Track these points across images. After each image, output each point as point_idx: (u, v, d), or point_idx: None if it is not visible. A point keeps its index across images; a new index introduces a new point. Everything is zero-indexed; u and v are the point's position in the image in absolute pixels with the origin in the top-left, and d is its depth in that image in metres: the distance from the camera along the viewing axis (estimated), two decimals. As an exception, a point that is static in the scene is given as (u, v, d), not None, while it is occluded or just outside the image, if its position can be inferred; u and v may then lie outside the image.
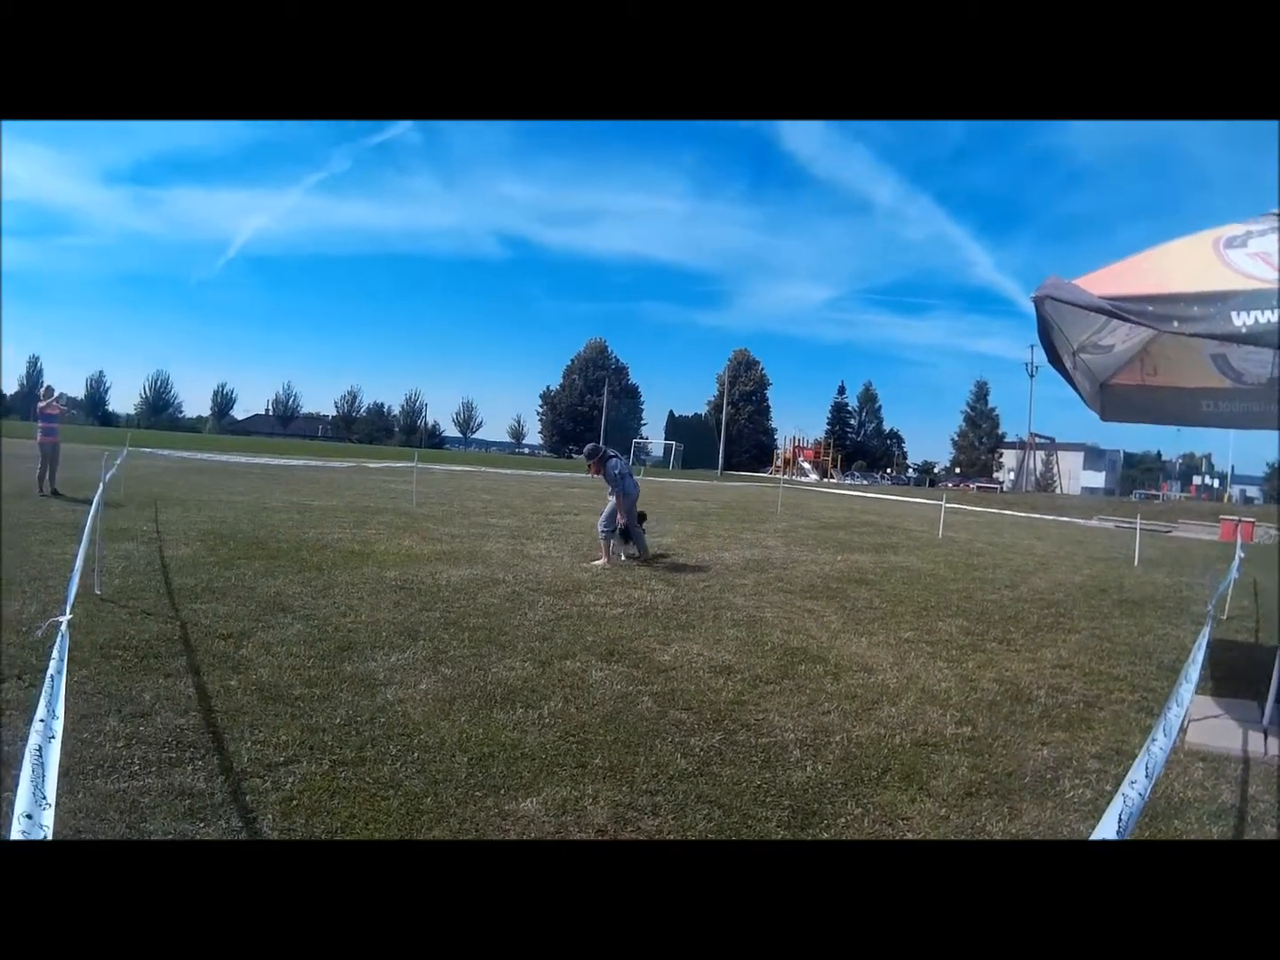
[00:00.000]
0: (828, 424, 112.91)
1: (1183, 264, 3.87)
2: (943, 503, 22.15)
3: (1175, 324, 3.53)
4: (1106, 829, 1.77)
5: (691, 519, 19.24)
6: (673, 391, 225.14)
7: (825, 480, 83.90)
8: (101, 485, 7.89)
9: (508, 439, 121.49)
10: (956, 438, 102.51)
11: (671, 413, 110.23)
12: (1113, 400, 6.83)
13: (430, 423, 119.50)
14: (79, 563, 4.67)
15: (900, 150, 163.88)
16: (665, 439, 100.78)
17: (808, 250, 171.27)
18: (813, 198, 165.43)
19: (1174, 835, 3.84)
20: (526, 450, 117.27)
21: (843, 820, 3.79)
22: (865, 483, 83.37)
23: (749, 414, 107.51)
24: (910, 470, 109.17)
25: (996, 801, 4.11)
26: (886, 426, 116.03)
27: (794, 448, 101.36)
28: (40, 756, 1.81)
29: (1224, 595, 9.68)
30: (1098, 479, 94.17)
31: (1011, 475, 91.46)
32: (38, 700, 2.20)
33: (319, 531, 12.11)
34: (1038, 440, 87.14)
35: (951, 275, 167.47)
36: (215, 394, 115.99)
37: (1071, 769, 4.64)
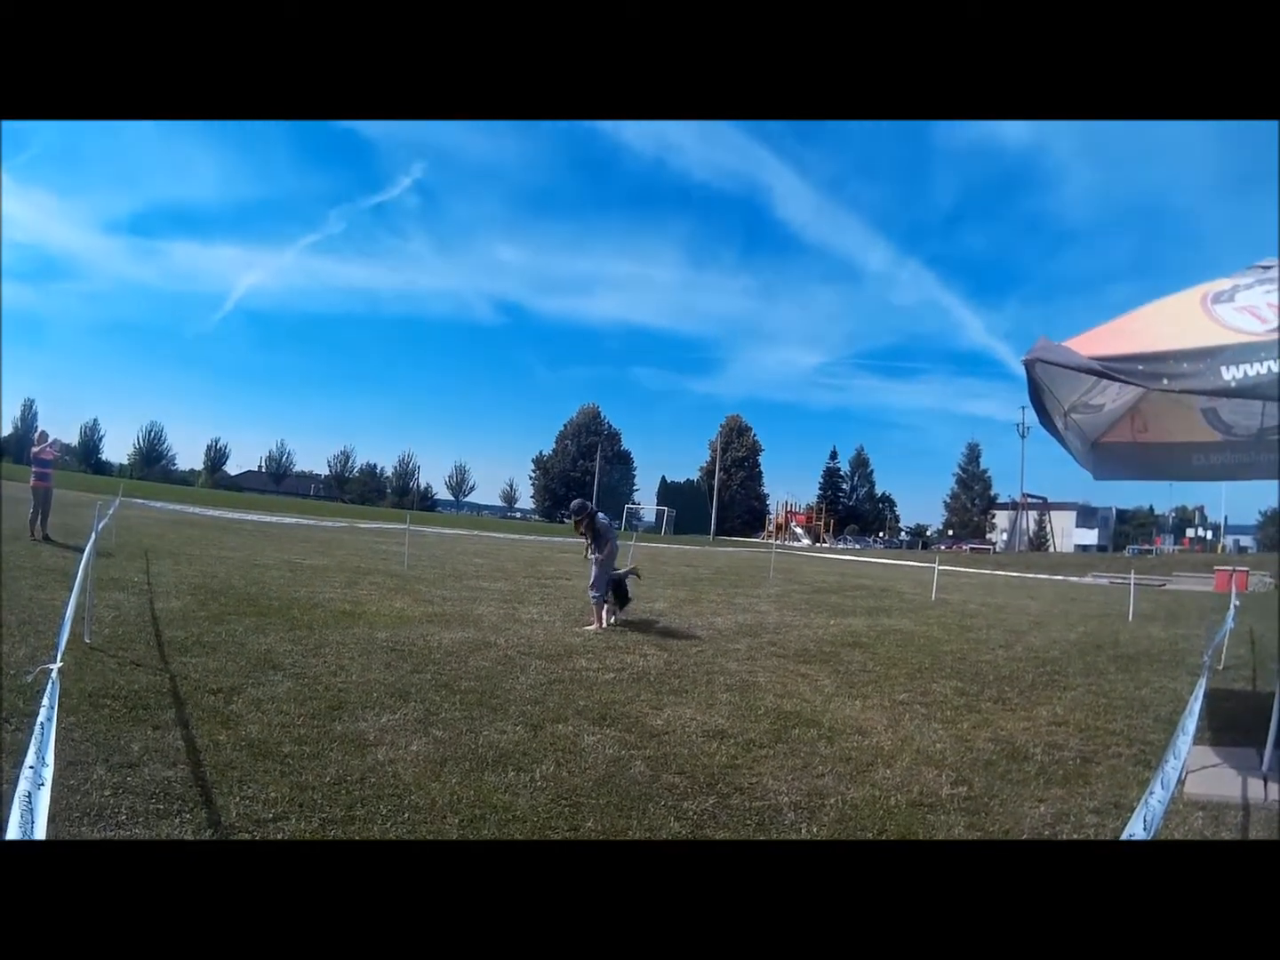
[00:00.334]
0: (820, 489, 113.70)
1: (1171, 321, 3.94)
2: (936, 565, 22.16)
3: (1165, 381, 3.58)
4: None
5: (684, 584, 19.15)
6: (665, 457, 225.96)
7: (818, 545, 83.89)
8: (94, 534, 7.86)
9: (500, 503, 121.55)
10: (949, 500, 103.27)
11: (664, 478, 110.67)
12: (1105, 458, 6.89)
13: (423, 485, 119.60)
14: (70, 610, 4.64)
15: (891, 216, 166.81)
16: (658, 505, 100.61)
17: (799, 316, 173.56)
18: (804, 264, 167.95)
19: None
20: (518, 515, 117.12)
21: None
22: (858, 546, 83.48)
23: (741, 480, 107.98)
24: (903, 533, 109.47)
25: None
26: (879, 490, 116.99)
27: (786, 513, 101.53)
28: (30, 802, 1.79)
29: (1220, 645, 9.69)
30: (1090, 536, 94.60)
31: (1004, 536, 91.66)
32: (25, 745, 2.17)
33: (310, 590, 12.03)
34: (1030, 500, 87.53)
35: (942, 339, 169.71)
36: (209, 448, 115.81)
37: (1069, 825, 4.60)
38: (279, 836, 3.72)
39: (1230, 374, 3.36)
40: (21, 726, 4.62)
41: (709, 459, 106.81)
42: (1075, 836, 4.40)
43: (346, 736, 5.25)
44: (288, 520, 29.95)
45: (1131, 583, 18.03)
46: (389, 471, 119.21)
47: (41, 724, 2.26)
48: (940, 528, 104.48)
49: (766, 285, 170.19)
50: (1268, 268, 4.26)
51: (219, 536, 21.32)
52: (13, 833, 1.68)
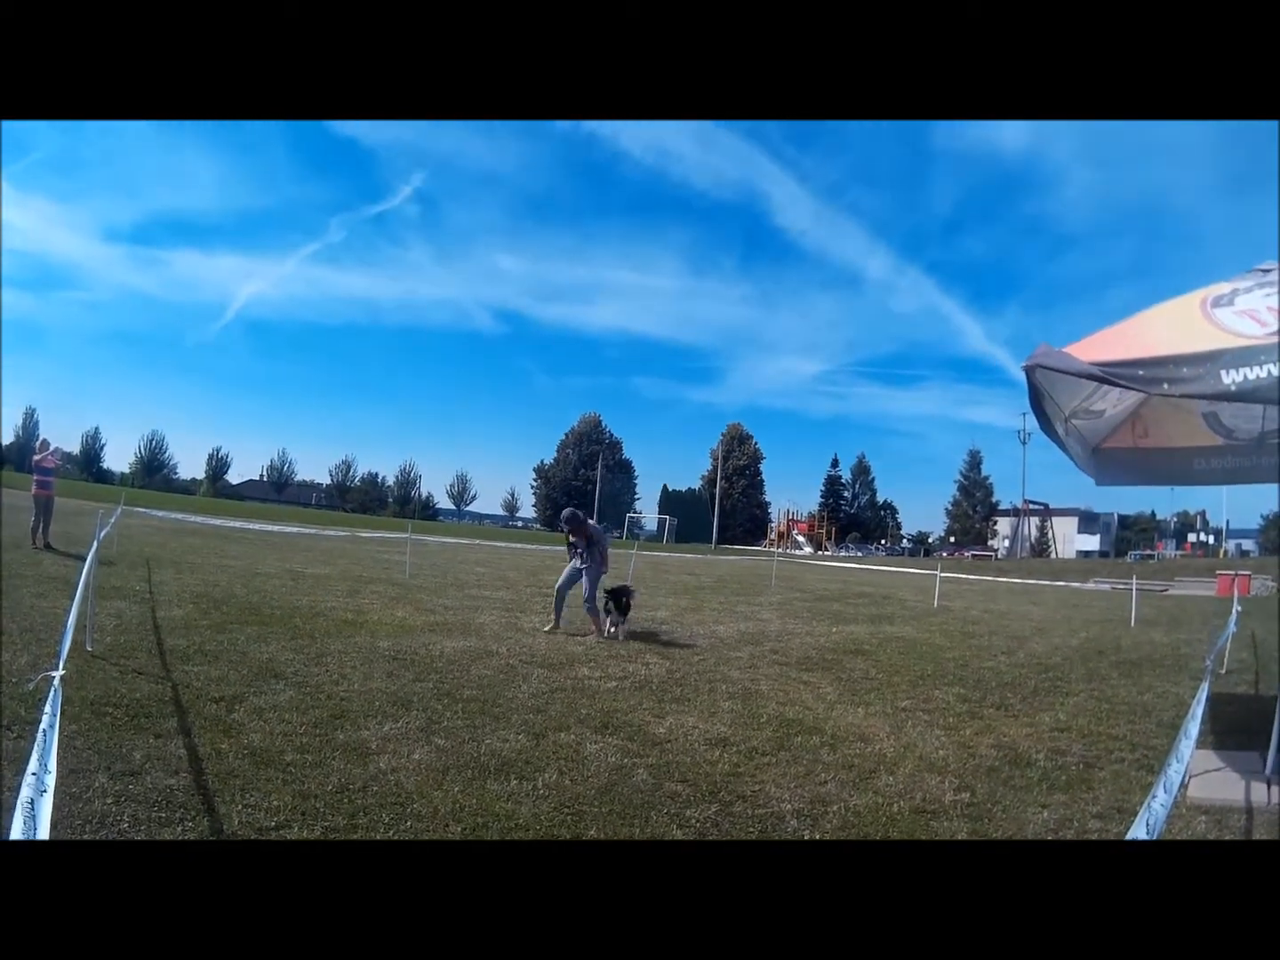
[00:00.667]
0: (821, 497, 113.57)
1: (1171, 326, 3.95)
2: (938, 572, 22.17)
3: (1165, 386, 3.58)
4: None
5: (686, 593, 19.13)
6: (666, 466, 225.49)
7: (820, 553, 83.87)
8: (96, 542, 7.87)
9: (501, 512, 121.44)
10: (951, 507, 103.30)
11: (665, 487, 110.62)
12: (1106, 464, 6.90)
13: (424, 494, 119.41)
14: (72, 618, 4.65)
15: (890, 223, 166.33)
16: (659, 513, 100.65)
17: (799, 324, 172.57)
18: (803, 272, 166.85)
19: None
20: (520, 523, 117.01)
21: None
22: (860, 554, 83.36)
23: (743, 488, 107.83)
24: (905, 541, 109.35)
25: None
26: (880, 498, 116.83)
27: (788, 521, 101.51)
28: (32, 809, 1.80)
29: (1222, 649, 9.67)
30: (1092, 542, 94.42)
31: (1006, 542, 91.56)
32: (27, 752, 2.17)
33: (312, 599, 12.02)
34: (1031, 507, 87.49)
35: (942, 346, 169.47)
36: (210, 457, 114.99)
37: (1072, 830, 4.59)
38: (281, 844, 3.72)
39: (1230, 378, 3.36)
40: (24, 734, 4.63)
41: (710, 467, 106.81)
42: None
43: (349, 745, 5.24)
44: (290, 529, 29.91)
45: (1133, 588, 18.03)
46: (390, 480, 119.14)
47: (44, 731, 2.26)
48: (942, 535, 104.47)
49: (766, 293, 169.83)
50: (1267, 271, 4.27)
51: (221, 545, 21.32)
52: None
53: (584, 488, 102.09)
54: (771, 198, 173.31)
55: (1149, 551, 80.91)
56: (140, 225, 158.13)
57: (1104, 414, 6.20)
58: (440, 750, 5.31)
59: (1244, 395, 3.41)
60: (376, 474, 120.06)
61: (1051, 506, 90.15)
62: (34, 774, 2.01)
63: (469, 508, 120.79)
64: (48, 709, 2.51)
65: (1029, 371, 4.16)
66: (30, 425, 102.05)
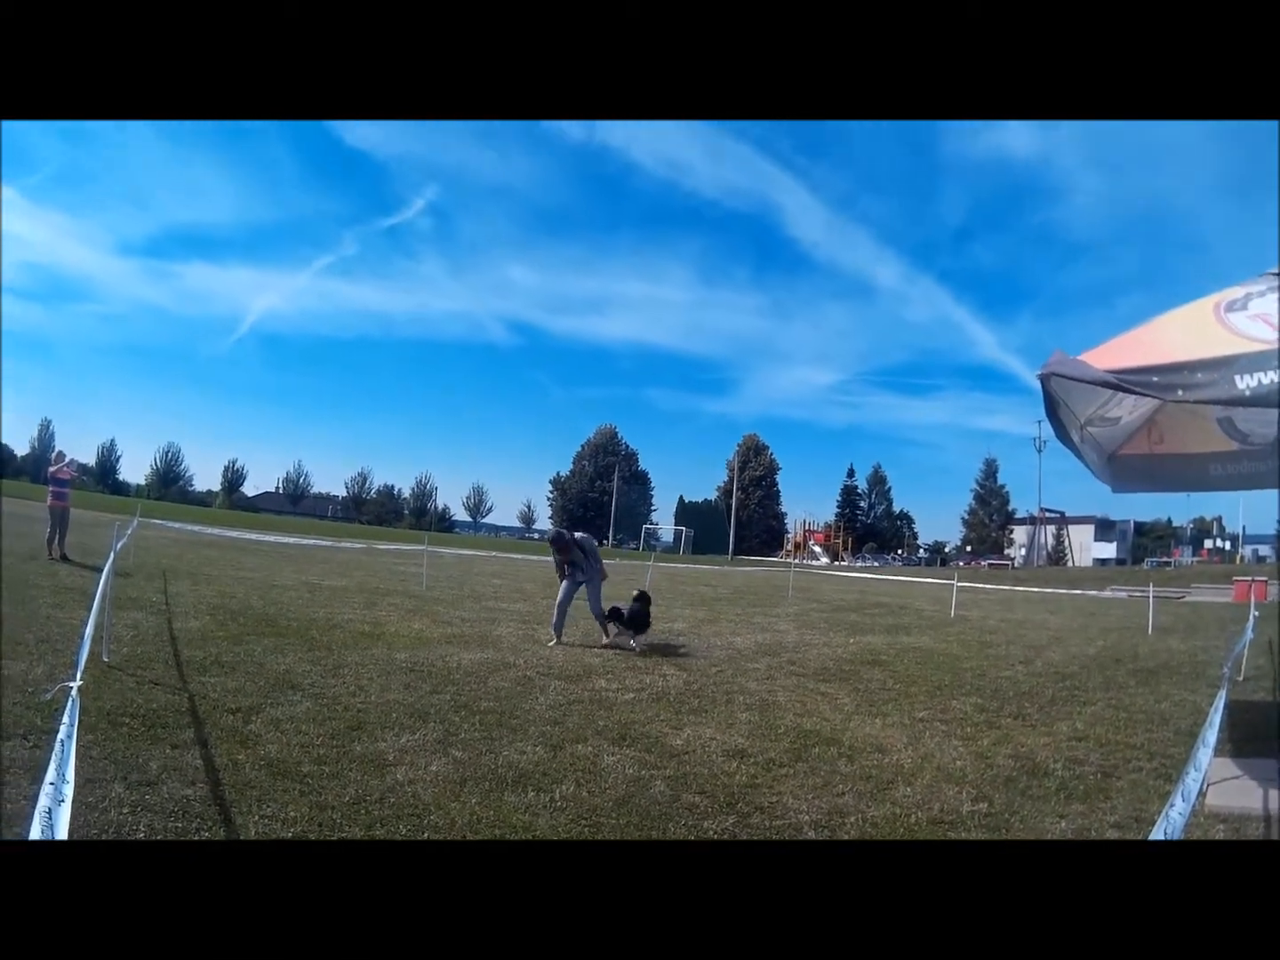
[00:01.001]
0: (837, 507, 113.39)
1: (1185, 331, 3.93)
2: (954, 581, 22.07)
3: (1180, 392, 3.57)
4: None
5: (703, 604, 19.10)
6: (682, 477, 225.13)
7: (836, 563, 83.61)
8: (112, 554, 7.93)
9: (517, 524, 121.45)
10: (967, 516, 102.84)
11: (681, 498, 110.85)
12: (1122, 471, 6.86)
13: (440, 506, 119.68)
14: (89, 629, 4.68)
15: (901, 233, 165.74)
16: (675, 525, 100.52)
17: (812, 334, 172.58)
18: (816, 282, 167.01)
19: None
20: (536, 535, 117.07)
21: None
22: (876, 564, 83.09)
23: (759, 499, 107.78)
24: (921, 550, 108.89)
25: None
26: (896, 507, 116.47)
27: (804, 531, 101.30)
28: (50, 819, 1.81)
29: (1240, 656, 9.63)
30: (1109, 550, 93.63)
31: (1023, 551, 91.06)
32: (44, 762, 2.19)
33: (329, 611, 12.07)
34: (1048, 515, 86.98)
35: (955, 354, 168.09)
36: (226, 469, 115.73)
37: (1090, 839, 4.54)
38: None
39: (1245, 383, 3.34)
40: (40, 743, 4.66)
41: (726, 478, 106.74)
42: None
43: (366, 757, 5.25)
44: (306, 541, 30.09)
45: (1150, 595, 17.91)
46: (406, 493, 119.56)
47: (61, 741, 2.28)
48: (958, 544, 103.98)
49: (778, 303, 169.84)
50: None
51: (237, 557, 21.46)
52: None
53: (600, 499, 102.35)
54: (783, 208, 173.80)
55: (1165, 558, 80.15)
56: (153, 238, 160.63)
57: (1119, 421, 6.17)
58: (457, 762, 5.31)
59: (1259, 400, 3.39)
60: (392, 486, 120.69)
61: (1067, 514, 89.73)
62: (52, 783, 2.02)
63: (485, 520, 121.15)
64: (65, 719, 2.53)
65: (1044, 379, 4.14)
66: (46, 437, 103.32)
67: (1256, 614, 9.45)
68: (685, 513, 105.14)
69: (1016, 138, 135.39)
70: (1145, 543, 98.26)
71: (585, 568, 10.84)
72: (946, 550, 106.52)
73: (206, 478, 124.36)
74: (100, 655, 7.01)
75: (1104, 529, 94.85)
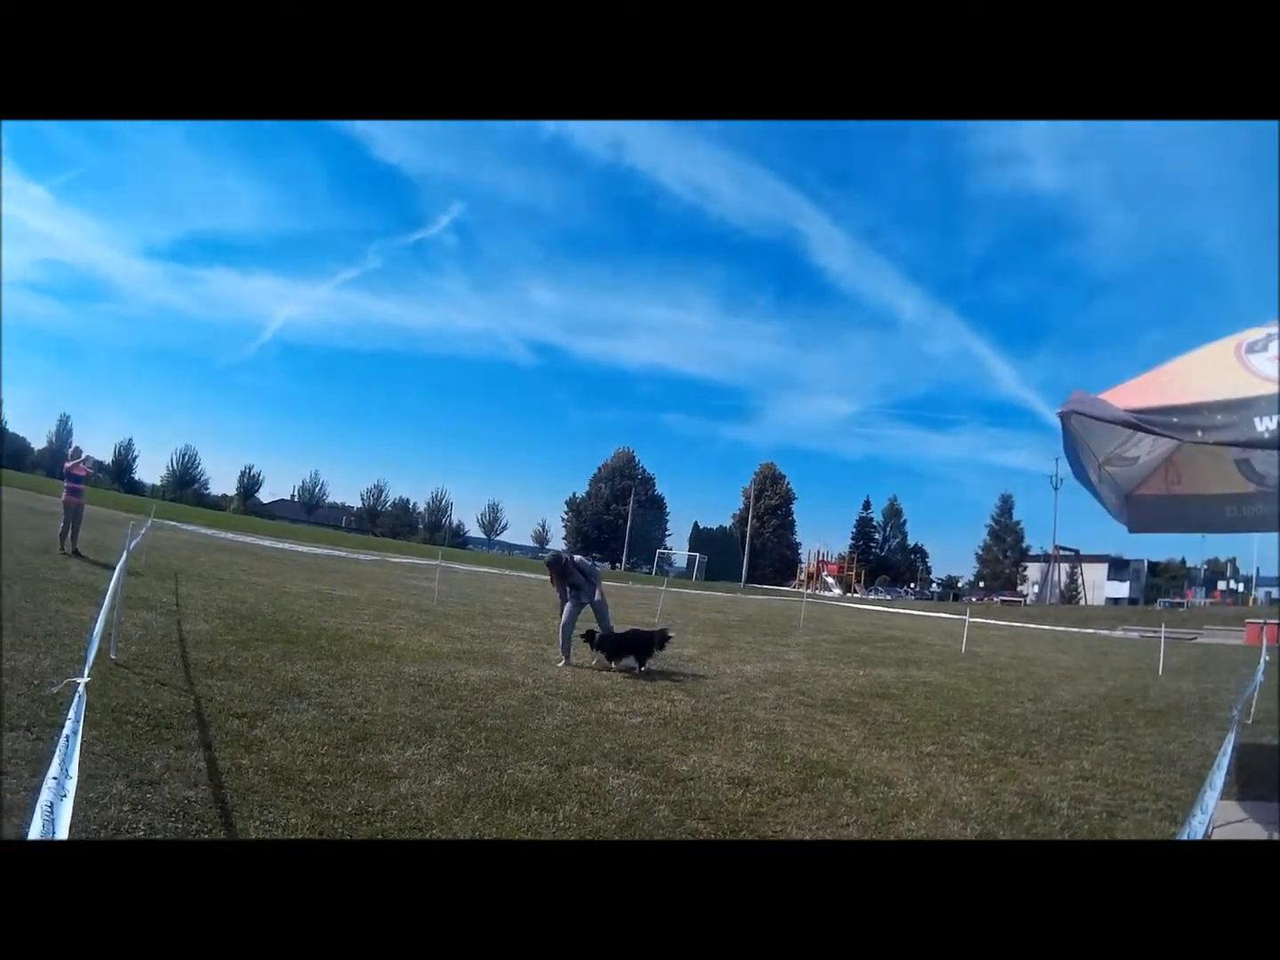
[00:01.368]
0: (852, 539, 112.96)
1: (1205, 372, 3.92)
2: (966, 617, 21.97)
3: (1199, 433, 3.55)
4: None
5: (714, 630, 19.04)
6: (698, 503, 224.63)
7: (849, 595, 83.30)
8: (125, 552, 7.99)
9: (531, 543, 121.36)
10: (981, 551, 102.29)
11: (696, 524, 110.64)
12: (1139, 511, 6.84)
13: (455, 522, 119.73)
14: (99, 626, 4.69)
15: (926, 266, 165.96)
16: (689, 550, 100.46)
17: (833, 365, 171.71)
18: (838, 313, 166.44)
19: None
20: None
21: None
22: (889, 597, 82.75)
23: (774, 528, 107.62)
24: (934, 584, 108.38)
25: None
26: (911, 541, 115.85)
27: (818, 562, 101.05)
28: (51, 813, 1.81)
29: (1250, 699, 9.58)
30: (1122, 589, 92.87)
31: (1036, 588, 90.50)
32: (48, 755, 2.19)
33: (339, 621, 12.09)
34: (1062, 553, 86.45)
35: (975, 389, 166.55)
36: (242, 475, 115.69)
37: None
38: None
39: (1264, 425, 3.33)
40: (43, 736, 4.68)
41: (742, 506, 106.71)
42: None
43: (370, 768, 5.24)
44: (319, 550, 30.15)
45: (1162, 636, 17.84)
46: (421, 507, 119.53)
47: (66, 736, 2.28)
48: (971, 579, 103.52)
49: (800, 333, 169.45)
50: None
51: (250, 563, 21.52)
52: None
53: (615, 522, 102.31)
54: (808, 238, 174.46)
55: (1178, 599, 79.48)
56: (179, 243, 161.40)
57: (1138, 460, 6.15)
58: (462, 778, 5.29)
59: (1278, 442, 3.37)
60: (408, 500, 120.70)
61: (1082, 552, 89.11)
62: (55, 778, 2.02)
63: (499, 537, 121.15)
64: (71, 714, 2.53)
65: (1064, 418, 4.14)
66: (64, 433, 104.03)
67: (1268, 657, 9.39)
68: (700, 539, 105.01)
69: (1043, 174, 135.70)
70: (1159, 583, 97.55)
71: (587, 590, 10.83)
72: (959, 585, 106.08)
73: (222, 482, 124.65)
74: (108, 652, 7.06)
75: (1117, 568, 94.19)
